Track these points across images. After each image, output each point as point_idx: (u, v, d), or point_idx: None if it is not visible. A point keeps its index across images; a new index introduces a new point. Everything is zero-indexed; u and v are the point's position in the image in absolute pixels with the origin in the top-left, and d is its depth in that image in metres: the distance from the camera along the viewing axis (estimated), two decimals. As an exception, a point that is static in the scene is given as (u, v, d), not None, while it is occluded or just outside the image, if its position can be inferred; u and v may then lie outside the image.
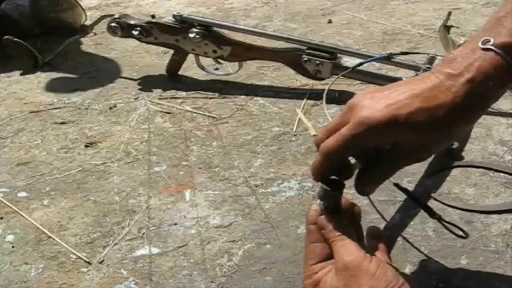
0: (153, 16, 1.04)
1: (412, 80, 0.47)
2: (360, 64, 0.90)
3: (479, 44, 0.44)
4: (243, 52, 0.99)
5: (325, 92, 0.82)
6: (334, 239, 0.49)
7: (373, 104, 0.45)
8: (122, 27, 1.03)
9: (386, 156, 0.49)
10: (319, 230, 0.50)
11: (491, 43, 0.44)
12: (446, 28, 1.18)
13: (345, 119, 0.47)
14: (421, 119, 0.44)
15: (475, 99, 0.44)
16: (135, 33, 1.02)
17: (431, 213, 0.56)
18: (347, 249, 0.47)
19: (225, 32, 1.01)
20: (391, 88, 0.47)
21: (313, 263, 0.49)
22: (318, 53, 0.94)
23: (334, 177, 0.50)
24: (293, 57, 0.96)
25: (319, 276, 0.48)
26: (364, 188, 0.50)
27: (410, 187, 0.71)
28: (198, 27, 0.99)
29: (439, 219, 0.57)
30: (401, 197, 0.70)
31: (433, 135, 0.45)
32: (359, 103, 0.46)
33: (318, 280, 0.48)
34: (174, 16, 1.00)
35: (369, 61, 0.91)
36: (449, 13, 1.24)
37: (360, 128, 0.45)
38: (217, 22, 1.01)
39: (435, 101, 0.44)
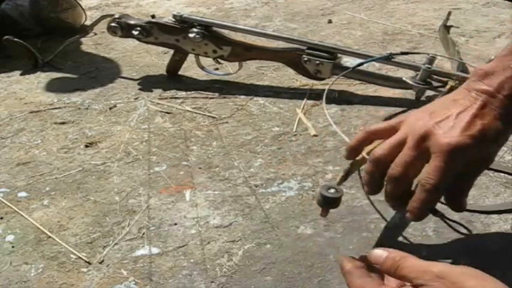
0: (153, 16, 1.04)
1: (454, 99, 0.53)
2: (360, 64, 0.90)
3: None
4: (243, 52, 0.99)
5: (325, 92, 0.82)
6: (398, 262, 0.47)
7: (448, 132, 0.51)
8: (122, 27, 1.03)
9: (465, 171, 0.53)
10: (367, 266, 0.49)
11: None
12: (446, 28, 1.18)
13: (421, 148, 0.51)
14: (492, 134, 0.51)
15: None
16: (135, 33, 1.02)
17: (434, 212, 0.56)
18: (422, 263, 0.46)
19: (225, 32, 1.01)
20: (446, 112, 0.52)
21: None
22: (318, 53, 0.94)
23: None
24: (293, 57, 0.96)
25: None
26: (461, 204, 0.55)
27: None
28: (198, 27, 0.99)
29: (442, 217, 0.57)
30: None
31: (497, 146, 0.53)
32: (431, 132, 0.51)
33: None
34: (174, 16, 1.00)
35: (369, 61, 0.91)
36: (449, 13, 1.24)
37: (453, 155, 0.50)
38: (217, 22, 1.01)
39: (488, 117, 0.51)
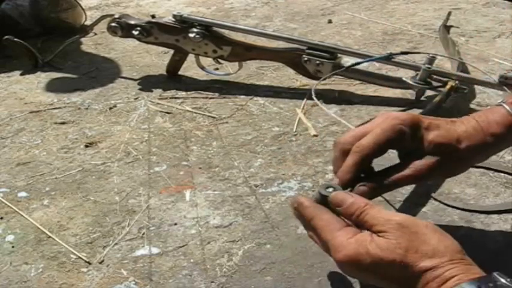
0: (153, 16, 1.04)
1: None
2: (358, 63, 0.90)
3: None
4: (243, 52, 0.99)
5: (313, 88, 0.82)
6: (363, 208, 0.49)
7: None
8: (122, 27, 1.03)
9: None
10: (334, 208, 0.51)
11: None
12: (446, 28, 1.18)
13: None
14: None
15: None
16: (135, 33, 1.02)
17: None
18: (387, 213, 0.48)
19: (225, 32, 1.00)
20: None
21: (339, 227, 0.49)
22: (318, 53, 0.94)
23: None
24: (293, 57, 0.96)
25: (361, 239, 0.47)
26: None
27: (410, 187, 0.71)
28: (198, 27, 0.99)
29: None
30: (401, 197, 0.70)
31: None
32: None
33: (361, 244, 0.46)
34: (174, 16, 1.00)
35: (368, 61, 0.91)
36: (449, 13, 1.24)
37: None
38: (217, 22, 1.01)
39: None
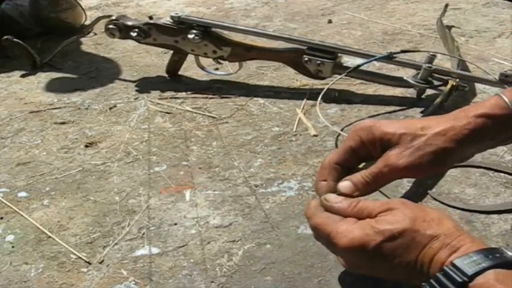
0: (150, 17, 1.03)
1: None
2: (361, 65, 0.90)
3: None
4: (243, 52, 0.99)
5: (320, 96, 0.82)
6: (358, 200, 0.51)
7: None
8: (120, 29, 1.02)
9: None
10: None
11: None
12: (448, 28, 1.18)
13: None
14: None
15: None
16: (133, 34, 1.02)
17: None
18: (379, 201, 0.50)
19: (225, 32, 1.00)
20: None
21: (339, 219, 0.50)
22: (319, 53, 0.93)
23: None
24: (294, 57, 0.96)
25: (365, 222, 0.47)
26: None
27: (410, 187, 0.71)
28: (196, 28, 0.99)
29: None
30: (401, 197, 0.70)
31: None
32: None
33: (367, 226, 0.47)
34: (172, 17, 1.00)
35: (370, 61, 0.91)
36: (446, 5, 1.23)
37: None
38: (216, 23, 1.00)
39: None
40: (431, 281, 0.43)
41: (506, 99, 0.53)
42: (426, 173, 0.56)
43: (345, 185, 0.54)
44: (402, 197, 0.69)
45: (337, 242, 0.48)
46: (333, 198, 0.52)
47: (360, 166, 0.57)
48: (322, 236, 0.51)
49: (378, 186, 0.55)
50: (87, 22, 1.34)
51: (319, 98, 0.87)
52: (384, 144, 0.53)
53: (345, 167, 0.55)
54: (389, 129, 0.53)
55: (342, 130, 0.84)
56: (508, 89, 0.54)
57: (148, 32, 1.02)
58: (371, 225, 0.46)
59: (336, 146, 0.81)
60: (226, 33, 1.00)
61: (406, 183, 0.72)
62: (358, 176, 0.54)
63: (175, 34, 1.00)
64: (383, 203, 0.48)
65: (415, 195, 0.70)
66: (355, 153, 0.55)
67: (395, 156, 0.52)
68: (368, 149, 0.55)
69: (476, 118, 0.52)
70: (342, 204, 0.51)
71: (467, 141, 0.52)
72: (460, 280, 0.41)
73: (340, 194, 0.54)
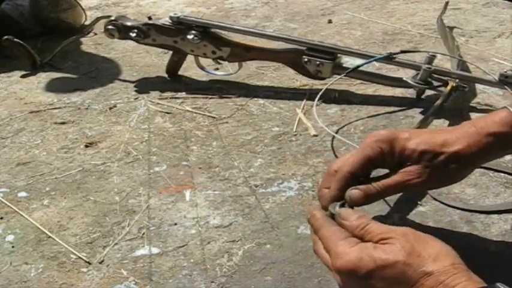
0: (149, 18, 1.03)
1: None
2: (360, 65, 0.90)
3: None
4: (242, 53, 0.99)
5: (317, 98, 0.82)
6: (367, 222, 0.50)
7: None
8: (119, 30, 1.02)
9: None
10: (340, 223, 0.52)
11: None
12: (450, 28, 1.18)
13: None
14: None
15: None
16: (133, 35, 1.02)
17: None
18: (389, 226, 0.49)
19: (224, 32, 1.00)
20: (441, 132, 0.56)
21: (343, 237, 0.49)
22: (318, 54, 0.93)
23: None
24: (293, 57, 0.96)
25: (364, 246, 0.47)
26: None
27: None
28: (195, 28, 0.98)
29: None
30: (401, 197, 0.70)
31: None
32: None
33: (364, 250, 0.47)
34: (171, 18, 0.99)
35: (370, 62, 0.91)
36: (447, 3, 1.23)
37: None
38: (215, 23, 1.00)
39: None
40: None
41: None
42: (438, 188, 0.58)
43: (355, 193, 0.54)
44: (401, 197, 0.69)
45: (333, 262, 0.48)
46: (346, 216, 0.52)
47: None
48: (324, 248, 0.50)
49: (387, 196, 0.56)
50: (87, 22, 1.34)
51: (316, 100, 0.87)
52: (402, 157, 0.54)
53: (358, 176, 0.55)
54: (411, 145, 0.53)
55: (336, 132, 0.84)
56: None
57: (148, 33, 1.01)
58: (368, 250, 0.46)
59: (333, 148, 0.81)
60: (225, 34, 1.00)
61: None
62: (371, 188, 0.54)
63: (175, 35, 1.00)
64: (387, 230, 0.48)
65: (415, 195, 0.70)
66: (372, 163, 0.55)
67: (414, 174, 0.53)
68: (385, 160, 0.55)
69: (487, 137, 0.53)
70: (351, 224, 0.50)
71: (479, 158, 0.55)
72: None
73: (350, 200, 0.54)
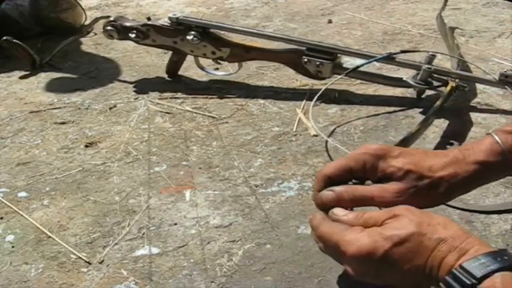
0: (148, 18, 1.03)
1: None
2: (360, 66, 0.90)
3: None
4: (242, 53, 0.98)
5: (315, 99, 0.82)
6: (364, 212, 0.50)
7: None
8: (118, 30, 1.02)
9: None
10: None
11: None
12: (452, 29, 1.18)
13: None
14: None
15: None
16: (132, 36, 1.01)
17: None
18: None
19: (224, 33, 1.00)
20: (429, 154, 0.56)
21: (346, 228, 0.49)
22: (318, 54, 0.93)
23: None
24: (293, 57, 0.96)
25: (373, 230, 0.47)
26: None
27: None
28: (195, 29, 0.98)
29: None
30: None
31: None
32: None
33: (375, 234, 0.46)
34: (170, 18, 0.99)
35: (369, 62, 0.91)
36: (446, 0, 1.23)
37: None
38: (214, 24, 1.00)
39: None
40: (441, 284, 0.43)
41: (500, 142, 0.53)
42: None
43: (327, 194, 0.54)
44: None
45: (345, 251, 0.47)
46: (339, 212, 0.52)
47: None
48: (329, 245, 0.50)
49: (358, 206, 0.54)
50: (87, 22, 1.34)
51: (313, 101, 0.87)
52: (385, 174, 0.53)
53: (335, 181, 0.55)
54: (397, 163, 0.53)
55: (330, 136, 0.84)
56: (501, 129, 0.55)
57: (147, 33, 1.01)
58: (378, 232, 0.46)
59: (327, 150, 0.80)
60: (225, 34, 1.00)
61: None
62: (344, 192, 0.53)
63: (174, 35, 1.00)
64: (388, 211, 0.48)
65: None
66: (351, 173, 0.55)
67: (392, 193, 0.52)
68: (366, 174, 0.54)
69: (474, 165, 0.53)
70: (348, 217, 0.51)
71: (466, 185, 0.54)
72: (469, 283, 0.41)
73: (321, 200, 0.54)
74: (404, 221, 0.46)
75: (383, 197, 0.52)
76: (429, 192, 0.53)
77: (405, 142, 0.72)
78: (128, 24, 1.02)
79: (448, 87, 0.86)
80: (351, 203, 0.54)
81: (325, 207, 0.54)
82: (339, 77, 0.91)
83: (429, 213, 0.48)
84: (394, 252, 0.45)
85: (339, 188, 0.54)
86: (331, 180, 0.55)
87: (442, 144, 0.80)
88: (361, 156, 0.54)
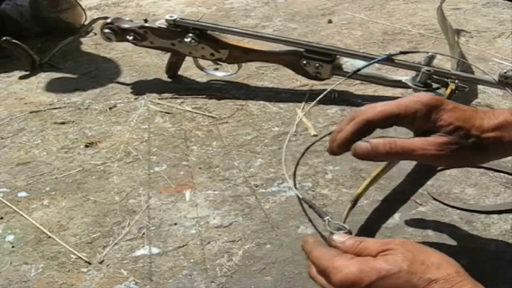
0: (145, 20, 1.02)
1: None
2: (360, 69, 0.90)
3: None
4: (241, 55, 0.98)
5: (314, 103, 0.82)
6: (362, 240, 0.49)
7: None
8: (116, 33, 1.02)
9: None
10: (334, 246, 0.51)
11: None
12: (454, 30, 1.18)
13: None
14: None
15: None
16: (130, 38, 1.01)
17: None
18: (381, 240, 0.49)
19: (222, 34, 0.99)
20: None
21: (337, 254, 0.48)
22: (317, 56, 0.93)
23: None
24: (292, 59, 0.96)
25: (363, 259, 0.46)
26: None
27: (410, 187, 0.71)
28: (192, 31, 0.98)
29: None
30: (402, 196, 0.70)
31: None
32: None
33: (364, 262, 0.45)
34: (167, 20, 0.99)
35: (369, 64, 0.91)
36: None
37: None
38: (211, 26, 0.99)
39: None
40: None
41: None
42: (449, 166, 0.55)
43: (362, 146, 0.52)
44: (401, 197, 0.69)
45: (332, 277, 0.46)
46: (338, 238, 0.51)
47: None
48: (319, 270, 0.49)
49: (393, 159, 0.52)
50: (87, 22, 1.34)
51: (313, 104, 0.87)
52: (433, 127, 0.52)
53: (375, 125, 0.53)
54: (449, 118, 0.51)
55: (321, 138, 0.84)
56: None
57: (145, 36, 1.01)
58: (368, 262, 0.45)
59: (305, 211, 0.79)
60: (223, 36, 1.00)
61: (406, 183, 0.72)
62: (380, 144, 0.51)
63: (172, 37, 0.99)
64: (383, 243, 0.47)
65: (415, 195, 0.70)
66: (394, 121, 0.53)
67: (437, 146, 0.50)
68: (414, 123, 0.52)
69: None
70: (344, 244, 0.49)
71: (508, 151, 0.52)
72: None
73: (354, 151, 0.52)
74: (397, 257, 0.44)
75: (425, 150, 0.50)
76: (472, 152, 0.51)
77: None
78: (125, 26, 1.02)
79: (448, 90, 0.86)
80: (386, 157, 0.52)
81: (339, 153, 0.53)
82: (341, 80, 0.91)
83: (426, 250, 0.46)
84: (379, 285, 0.44)
85: (375, 140, 0.52)
86: (369, 125, 0.53)
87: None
88: (413, 104, 0.52)
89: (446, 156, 0.50)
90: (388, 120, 0.53)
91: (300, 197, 0.66)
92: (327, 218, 0.56)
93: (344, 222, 0.60)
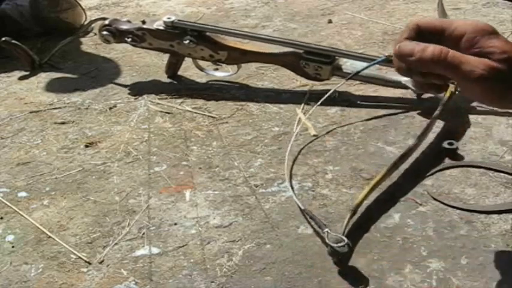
0: (143, 22, 1.02)
1: None
2: (360, 71, 0.89)
3: None
4: (239, 56, 0.98)
5: (315, 106, 0.82)
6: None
7: None
8: (114, 35, 1.02)
9: None
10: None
11: None
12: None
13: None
14: None
15: None
16: (128, 40, 1.01)
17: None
18: None
19: (221, 36, 0.99)
20: None
21: None
22: (316, 57, 0.93)
23: None
24: (291, 60, 0.95)
25: None
26: None
27: (410, 187, 0.71)
28: (190, 32, 0.98)
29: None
30: (402, 196, 0.70)
31: None
32: None
33: None
34: (164, 22, 0.99)
35: (369, 66, 0.91)
36: None
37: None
38: (209, 27, 0.99)
39: None
40: None
41: None
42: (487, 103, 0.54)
43: (405, 45, 0.52)
44: (401, 197, 0.69)
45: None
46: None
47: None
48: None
49: (436, 71, 0.51)
50: (86, 23, 1.34)
51: (315, 106, 0.87)
52: (481, 52, 0.50)
53: (423, 30, 0.52)
54: (502, 46, 0.49)
55: (333, 130, 0.84)
56: None
57: (143, 37, 1.01)
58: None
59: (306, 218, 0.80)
60: (221, 37, 0.99)
61: (406, 183, 0.72)
62: (431, 46, 0.50)
63: (170, 39, 0.99)
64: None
65: (415, 195, 0.70)
66: (439, 36, 0.52)
67: (486, 67, 0.49)
68: (458, 44, 0.51)
69: None
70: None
71: None
72: None
73: (398, 48, 0.52)
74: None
75: (475, 67, 0.48)
76: None
77: (407, 156, 0.72)
78: (123, 27, 1.02)
79: (448, 93, 0.85)
80: (430, 64, 0.50)
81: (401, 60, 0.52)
82: (342, 82, 0.91)
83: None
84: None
85: (423, 44, 0.51)
86: (419, 32, 0.52)
87: (441, 144, 0.80)
88: (464, 25, 0.51)
89: (488, 82, 0.48)
90: (434, 32, 0.52)
91: (302, 208, 0.67)
92: (326, 230, 0.59)
93: (344, 233, 0.60)
